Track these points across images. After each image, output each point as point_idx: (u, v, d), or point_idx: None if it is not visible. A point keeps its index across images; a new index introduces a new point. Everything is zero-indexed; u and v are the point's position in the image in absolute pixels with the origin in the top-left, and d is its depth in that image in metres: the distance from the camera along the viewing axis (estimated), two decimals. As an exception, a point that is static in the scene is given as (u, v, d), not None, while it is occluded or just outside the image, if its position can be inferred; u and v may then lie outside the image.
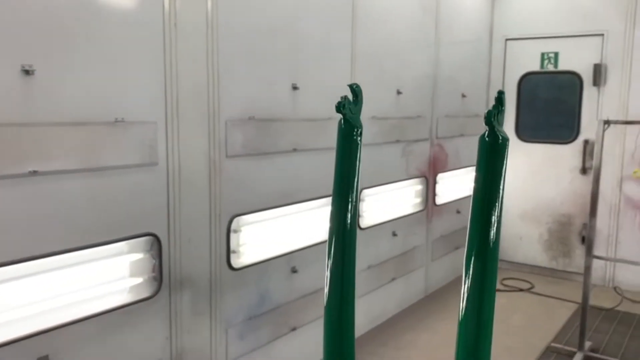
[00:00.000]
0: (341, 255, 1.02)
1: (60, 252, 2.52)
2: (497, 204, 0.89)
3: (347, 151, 1.50)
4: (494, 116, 1.30)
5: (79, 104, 2.55)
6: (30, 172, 2.36)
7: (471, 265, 0.87)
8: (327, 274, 1.04)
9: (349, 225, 1.04)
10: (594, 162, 4.22)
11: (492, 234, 0.87)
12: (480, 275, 0.87)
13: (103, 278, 2.76)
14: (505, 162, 1.50)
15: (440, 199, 5.85)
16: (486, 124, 1.38)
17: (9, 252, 2.33)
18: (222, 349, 3.39)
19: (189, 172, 3.07)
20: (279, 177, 3.70)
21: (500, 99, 1.31)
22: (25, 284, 2.45)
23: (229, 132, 3.25)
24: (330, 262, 1.04)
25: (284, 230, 3.83)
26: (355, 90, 1.56)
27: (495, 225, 0.88)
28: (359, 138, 1.48)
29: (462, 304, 0.89)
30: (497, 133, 1.33)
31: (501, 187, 0.86)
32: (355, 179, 1.06)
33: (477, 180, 0.93)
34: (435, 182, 5.72)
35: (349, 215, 1.06)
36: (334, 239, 1.05)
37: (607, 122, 4.08)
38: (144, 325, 2.92)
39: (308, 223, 3.97)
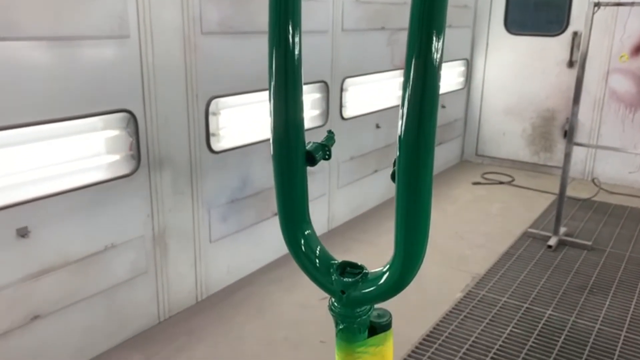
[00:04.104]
0: (284, 92, 0.88)
1: (32, 123, 2.46)
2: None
3: None
4: None
5: (40, -34, 2.39)
6: (-8, 36, 2.25)
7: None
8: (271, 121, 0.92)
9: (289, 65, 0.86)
10: (581, 47, 4.13)
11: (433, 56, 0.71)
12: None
13: (79, 153, 2.73)
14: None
15: (425, 93, 5.78)
16: None
17: (-22, 121, 2.27)
18: (205, 229, 3.44)
19: (163, 48, 2.96)
20: (260, 59, 3.59)
21: None
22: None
23: (203, 6, 3.11)
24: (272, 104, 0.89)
25: (265, 116, 3.77)
26: None
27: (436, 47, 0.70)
28: None
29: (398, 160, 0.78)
30: None
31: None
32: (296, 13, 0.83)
33: None
34: (420, 75, 5.62)
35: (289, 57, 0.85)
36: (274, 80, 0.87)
37: (597, 5, 3.95)
38: (124, 202, 2.93)
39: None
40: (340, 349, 0.91)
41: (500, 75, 6.50)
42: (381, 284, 0.86)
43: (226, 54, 3.35)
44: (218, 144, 3.44)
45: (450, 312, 3.42)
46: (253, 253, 3.86)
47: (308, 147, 0.93)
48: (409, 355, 2.98)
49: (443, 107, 6.21)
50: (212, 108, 3.33)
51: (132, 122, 2.88)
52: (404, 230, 0.80)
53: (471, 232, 4.70)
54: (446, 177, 6.28)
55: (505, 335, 3.17)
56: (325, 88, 4.26)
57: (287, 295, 3.61)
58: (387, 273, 0.86)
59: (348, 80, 4.54)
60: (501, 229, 4.76)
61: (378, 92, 5.09)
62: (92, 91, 2.67)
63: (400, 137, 0.76)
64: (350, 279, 0.89)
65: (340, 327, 0.90)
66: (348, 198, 4.85)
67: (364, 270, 0.89)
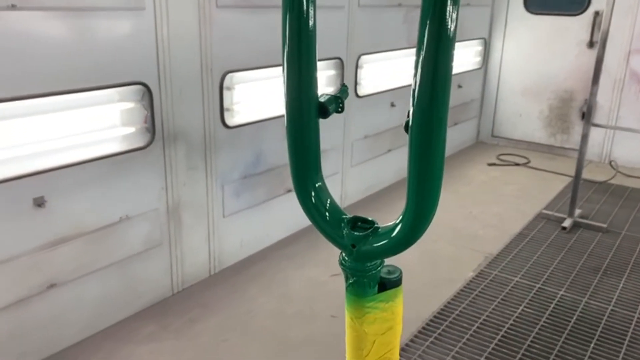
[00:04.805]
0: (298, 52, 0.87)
1: (48, 94, 2.48)
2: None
3: None
4: None
5: None
6: (9, 5, 2.25)
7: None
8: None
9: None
10: (602, 27, 4.05)
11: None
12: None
13: (95, 125, 2.75)
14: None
15: (441, 72, 5.71)
16: None
17: (-5, 90, 2.29)
18: (219, 204, 3.46)
19: (178, 21, 2.95)
20: (276, 34, 3.56)
21: None
22: (16, 125, 2.44)
23: (219, -21, 3.09)
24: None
25: (280, 91, 3.76)
26: None
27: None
28: None
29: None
30: None
31: None
32: None
33: None
34: (437, 54, 5.55)
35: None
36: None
37: (621, -18, 3.86)
38: (139, 174, 2.95)
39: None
40: (350, 303, 0.91)
41: (519, 55, 6.40)
42: (392, 237, 0.86)
43: (241, 28, 3.33)
44: (232, 119, 3.45)
45: (462, 290, 3.42)
46: (266, 229, 3.88)
47: (321, 98, 0.93)
48: (420, 332, 2.99)
49: (460, 87, 6.14)
50: (226, 83, 3.32)
51: (147, 95, 2.89)
52: (416, 184, 0.79)
53: (485, 212, 4.68)
54: (461, 157, 6.24)
55: (516, 314, 3.17)
56: (340, 65, 4.23)
57: (300, 271, 3.63)
58: (399, 226, 0.85)
59: (363, 58, 4.50)
60: (515, 210, 4.73)
61: (393, 70, 5.04)
62: (107, 63, 2.68)
63: (414, 89, 0.76)
64: (360, 233, 0.89)
65: (350, 281, 0.90)
66: (361, 177, 4.84)
67: (375, 225, 0.89)
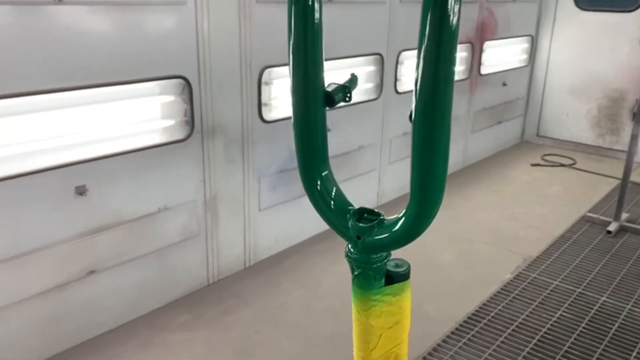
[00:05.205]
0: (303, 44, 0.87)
1: (92, 86, 2.56)
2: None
3: None
4: None
5: None
6: (56, 0, 2.33)
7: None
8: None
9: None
10: (656, 23, 3.87)
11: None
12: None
13: (137, 117, 2.83)
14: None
15: (485, 69, 5.61)
16: None
17: (36, 83, 2.38)
18: (255, 198, 3.50)
19: (218, 16, 2.99)
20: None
21: None
22: (61, 115, 2.53)
23: (259, -26, 3.11)
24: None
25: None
26: None
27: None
28: None
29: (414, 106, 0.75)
30: None
31: None
32: None
33: None
34: (481, 50, 5.45)
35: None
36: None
37: (677, -24, 3.68)
38: (178, 166, 3.01)
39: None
40: (356, 296, 0.91)
41: (567, 52, 6.20)
42: (396, 230, 0.85)
43: (281, 24, 3.34)
44: (269, 114, 3.47)
45: (498, 292, 3.35)
46: (301, 224, 3.90)
47: (328, 88, 0.92)
48: (452, 333, 2.95)
49: (504, 84, 6.00)
50: (264, 77, 3.35)
51: (187, 89, 2.94)
52: (419, 177, 0.78)
53: (526, 213, 4.56)
54: (504, 157, 6.10)
55: (554, 319, 3.08)
56: (381, 61, 4.20)
57: (332, 266, 3.63)
58: (402, 219, 0.84)
59: (404, 54, 4.45)
60: (558, 212, 4.59)
61: (435, 67, 4.97)
62: (149, 57, 2.74)
63: (416, 80, 0.74)
64: (366, 224, 0.88)
65: (356, 273, 0.90)
66: (399, 174, 4.80)
67: (381, 217, 0.88)
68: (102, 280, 2.81)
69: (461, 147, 5.60)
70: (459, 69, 5.27)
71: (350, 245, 0.91)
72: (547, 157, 6.08)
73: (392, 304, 0.87)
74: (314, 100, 0.90)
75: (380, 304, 0.88)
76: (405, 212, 0.83)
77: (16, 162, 2.41)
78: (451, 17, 0.70)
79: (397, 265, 0.92)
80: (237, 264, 3.52)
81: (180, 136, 2.99)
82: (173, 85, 2.92)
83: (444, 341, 2.88)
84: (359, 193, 4.40)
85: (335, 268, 3.61)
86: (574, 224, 4.33)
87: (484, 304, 3.22)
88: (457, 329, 2.98)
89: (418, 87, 0.74)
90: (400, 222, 0.85)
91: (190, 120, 3.00)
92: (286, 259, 3.71)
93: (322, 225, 3.90)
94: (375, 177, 4.55)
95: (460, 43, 5.13)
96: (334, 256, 3.74)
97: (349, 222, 0.91)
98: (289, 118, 3.55)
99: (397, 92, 4.48)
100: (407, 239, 0.85)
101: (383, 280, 0.91)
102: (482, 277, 3.54)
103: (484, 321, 3.05)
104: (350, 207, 0.93)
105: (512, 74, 6.13)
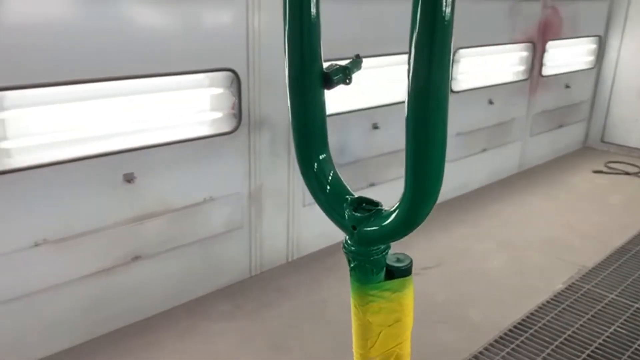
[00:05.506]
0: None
1: (142, 76, 2.62)
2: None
3: None
4: None
5: None
6: (110, -8, 2.40)
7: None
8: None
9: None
10: None
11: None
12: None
13: (186, 108, 2.87)
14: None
15: (547, 70, 5.38)
16: None
17: (86, 71, 2.45)
18: (300, 193, 3.49)
19: (269, 10, 2.99)
20: (364, 24, 3.53)
21: None
22: (111, 104, 2.60)
23: (312, -32, 3.09)
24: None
25: (367, 84, 3.71)
26: None
27: None
28: None
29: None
30: None
31: None
32: None
33: None
34: (544, 50, 5.22)
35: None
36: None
37: None
38: (224, 158, 3.04)
39: (392, 79, 3.82)
40: (353, 289, 0.87)
41: (638, 54, 5.85)
42: (390, 222, 0.80)
43: (335, 18, 3.31)
44: (318, 109, 3.45)
45: (548, 302, 3.20)
46: (347, 221, 3.86)
47: (327, 69, 0.88)
48: (496, 341, 2.84)
49: (567, 87, 5.74)
50: (314, 72, 3.32)
51: (236, 82, 2.97)
52: (413, 165, 0.72)
53: (584, 222, 4.34)
54: (564, 163, 5.84)
55: (607, 333, 2.91)
56: (435, 59, 4.09)
57: (377, 266, 3.57)
58: (396, 211, 0.79)
59: (461, 52, 4.33)
60: (619, 222, 4.34)
61: (493, 66, 4.81)
62: (199, 49, 2.78)
63: (409, 60, 0.69)
64: (361, 214, 0.84)
65: (352, 265, 0.86)
66: (451, 176, 4.63)
67: (379, 207, 0.84)
68: (147, 267, 2.88)
69: (518, 151, 5.40)
70: (519, 69, 5.08)
71: (347, 236, 0.88)
72: (611, 165, 5.77)
73: (391, 301, 0.82)
74: (310, 81, 0.86)
75: (378, 299, 0.83)
76: (399, 203, 0.78)
77: (72, 147, 2.51)
78: (445, 5, 0.65)
79: (398, 260, 0.87)
80: (279, 258, 3.53)
81: (227, 128, 3.02)
82: (222, 77, 2.95)
83: (486, 349, 2.78)
84: (399, 195, 4.31)
85: (379, 268, 3.55)
86: (636, 236, 4.09)
87: (532, 313, 3.08)
88: (501, 337, 2.87)
89: (411, 68, 0.69)
90: (394, 214, 0.80)
91: (238, 113, 3.02)
92: (329, 256, 3.69)
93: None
94: (425, 178, 4.44)
95: (519, 42, 4.93)
96: (378, 255, 3.68)
97: (345, 211, 0.87)
98: (338, 114, 3.52)
99: (452, 90, 4.36)
100: (402, 231, 0.80)
101: (382, 275, 0.86)
102: (532, 286, 3.40)
103: (531, 331, 2.92)
104: (349, 196, 0.89)
105: (577, 75, 5.86)
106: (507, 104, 5.01)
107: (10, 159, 2.35)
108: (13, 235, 2.39)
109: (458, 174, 4.75)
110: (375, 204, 0.85)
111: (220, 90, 2.97)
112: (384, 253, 0.86)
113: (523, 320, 3.02)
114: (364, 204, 0.86)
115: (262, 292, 3.24)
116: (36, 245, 2.46)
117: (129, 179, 2.68)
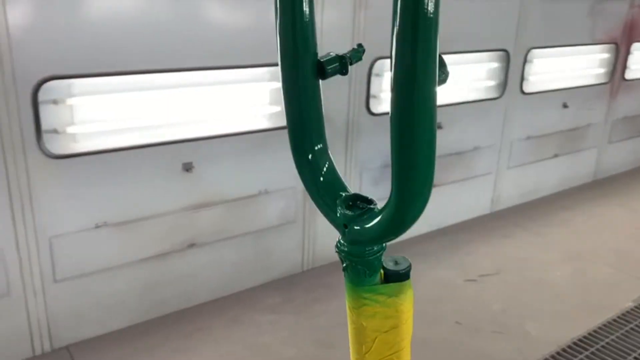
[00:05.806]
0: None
1: (206, 68, 2.68)
2: None
3: None
4: None
5: None
6: (176, -15, 2.47)
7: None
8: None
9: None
10: None
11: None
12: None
13: (245, 101, 2.92)
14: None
15: (631, 73, 5.04)
16: None
17: (155, 61, 2.54)
18: (356, 190, 3.45)
19: (334, 7, 2.98)
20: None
21: None
22: (174, 94, 2.68)
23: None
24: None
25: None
26: None
27: None
28: None
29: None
30: None
31: None
32: None
33: None
34: (628, 52, 4.90)
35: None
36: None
37: None
38: (280, 152, 3.06)
39: (454, 80, 3.71)
40: (347, 290, 0.83)
41: None
42: (378, 222, 0.76)
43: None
44: (378, 107, 3.40)
45: (614, 320, 3.00)
46: (403, 221, 3.79)
47: (322, 58, 0.84)
48: (552, 357, 2.69)
49: (653, 91, 5.35)
50: (375, 69, 3.29)
51: (295, 76, 2.97)
52: (398, 163, 0.67)
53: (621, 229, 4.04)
54: (645, 172, 5.46)
55: (678, 359, 2.69)
56: (506, 57, 3.93)
57: (431, 271, 3.49)
58: (383, 212, 0.75)
59: (534, 52, 4.14)
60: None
61: (570, 67, 4.57)
62: (259, 44, 2.81)
63: (391, 50, 0.64)
64: (352, 213, 0.80)
65: (344, 265, 0.82)
66: (518, 181, 4.48)
67: (372, 206, 0.79)
68: (201, 254, 2.95)
69: (594, 159, 5.10)
70: (599, 71, 4.79)
71: (339, 235, 0.84)
72: (699, 177, 5.34)
73: (387, 306, 0.78)
74: (303, 70, 0.82)
75: (372, 303, 0.79)
76: (386, 203, 0.74)
77: (135, 134, 2.61)
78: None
79: (396, 263, 0.83)
80: (332, 255, 3.49)
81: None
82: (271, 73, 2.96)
83: (540, 364, 2.64)
84: (470, 197, 4.18)
85: (434, 272, 3.47)
86: None
87: (595, 331, 2.90)
88: (558, 352, 2.72)
89: (393, 58, 0.65)
90: (381, 215, 0.76)
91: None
92: (383, 256, 3.63)
93: (425, 227, 3.76)
94: (490, 182, 4.29)
95: (600, 43, 4.65)
96: (434, 260, 3.60)
97: (338, 209, 0.83)
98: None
99: (522, 92, 4.18)
100: (391, 233, 0.75)
101: (377, 277, 0.82)
102: (597, 302, 3.20)
103: (592, 349, 2.75)
104: (343, 193, 0.85)
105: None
106: (584, 108, 4.74)
107: (77, 143, 2.47)
108: (76, 217, 2.52)
109: (526, 179, 4.55)
110: (370, 202, 0.81)
111: (278, 85, 2.99)
112: (378, 254, 0.82)
113: (584, 337, 2.85)
114: (358, 202, 0.82)
115: (313, 288, 3.24)
116: (97, 227, 2.58)
117: (187, 168, 2.75)
